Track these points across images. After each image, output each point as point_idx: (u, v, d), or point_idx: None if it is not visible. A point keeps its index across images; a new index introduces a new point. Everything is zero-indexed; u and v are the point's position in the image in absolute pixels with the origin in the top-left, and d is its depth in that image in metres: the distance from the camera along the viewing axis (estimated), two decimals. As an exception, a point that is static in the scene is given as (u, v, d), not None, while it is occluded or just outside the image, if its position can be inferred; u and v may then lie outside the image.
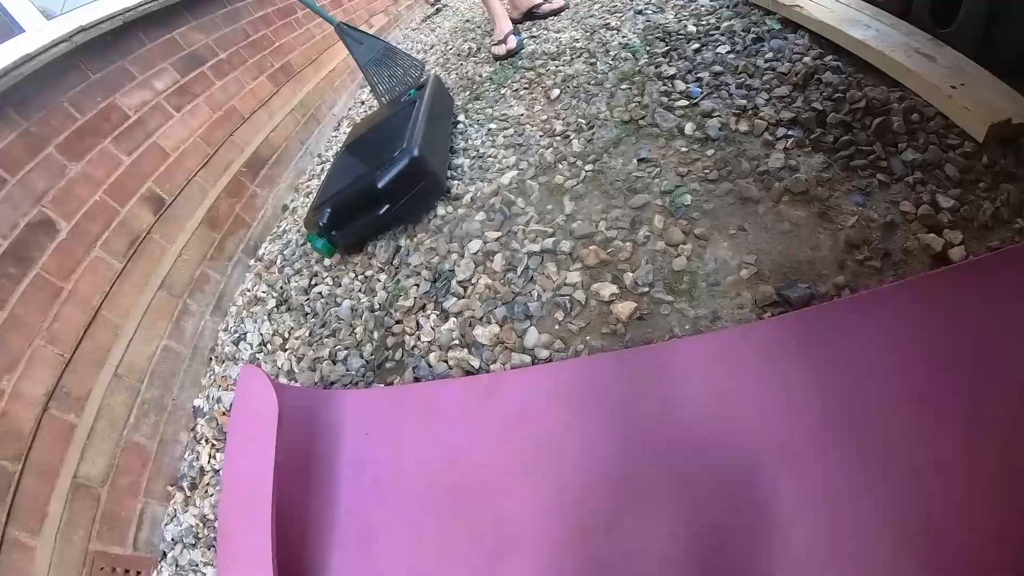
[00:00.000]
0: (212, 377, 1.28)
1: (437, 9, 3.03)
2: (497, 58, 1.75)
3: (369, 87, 1.63)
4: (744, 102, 1.02)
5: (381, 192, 1.06)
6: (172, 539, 0.98)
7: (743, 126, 0.97)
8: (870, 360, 0.60)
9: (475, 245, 0.99)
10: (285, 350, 1.17)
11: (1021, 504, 0.46)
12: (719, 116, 1.01)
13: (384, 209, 1.08)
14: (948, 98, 0.83)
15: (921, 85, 0.89)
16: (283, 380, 1.11)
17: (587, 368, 0.72)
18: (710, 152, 0.94)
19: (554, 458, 0.68)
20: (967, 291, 0.62)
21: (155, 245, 1.31)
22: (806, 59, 1.08)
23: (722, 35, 1.23)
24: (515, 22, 1.93)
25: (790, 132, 0.93)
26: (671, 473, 0.60)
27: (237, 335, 1.31)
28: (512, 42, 1.71)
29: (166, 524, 1.03)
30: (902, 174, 0.80)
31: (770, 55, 1.13)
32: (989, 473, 0.49)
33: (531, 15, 1.92)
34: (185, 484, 1.07)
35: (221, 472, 0.98)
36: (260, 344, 1.25)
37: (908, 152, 0.83)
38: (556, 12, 1.88)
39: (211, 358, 1.33)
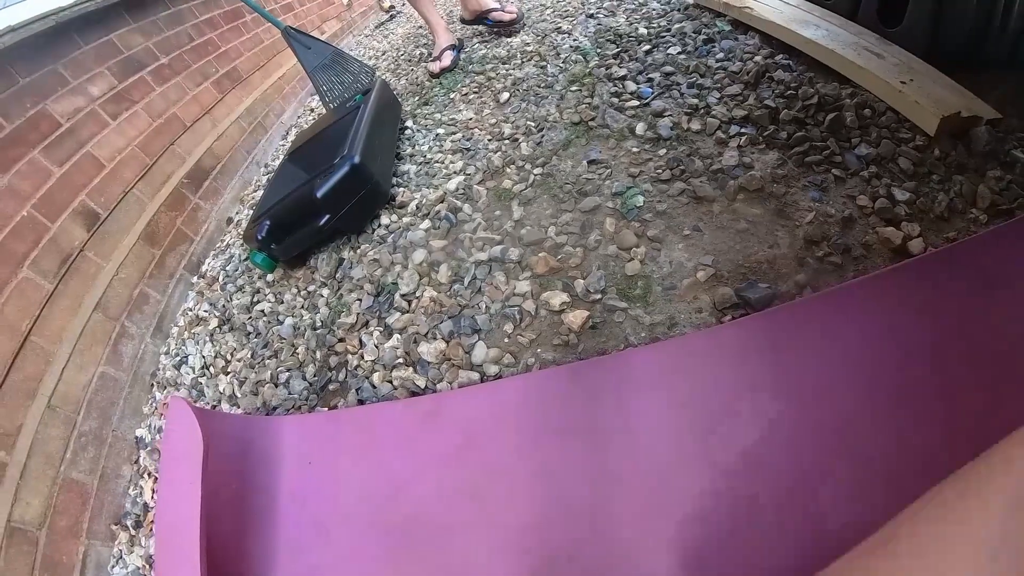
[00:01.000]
0: (154, 404, 1.20)
1: (391, 16, 2.99)
2: (432, 76, 1.65)
3: (317, 94, 1.56)
4: (696, 101, 0.99)
5: (320, 202, 1.00)
6: (119, 583, 0.89)
7: (695, 125, 0.94)
8: (843, 359, 0.58)
9: (419, 255, 0.93)
10: (227, 373, 1.10)
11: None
12: (670, 115, 0.98)
13: (324, 220, 1.02)
14: (899, 93, 0.84)
15: (872, 81, 0.90)
16: (225, 406, 1.04)
17: (537, 384, 0.67)
18: (662, 152, 0.91)
19: (507, 485, 0.62)
20: (931, 283, 0.61)
21: (89, 263, 1.22)
22: (757, 58, 1.06)
23: (673, 37, 1.21)
24: (464, 22, 1.87)
25: (743, 130, 0.92)
26: (637, 496, 0.55)
27: (178, 358, 1.23)
28: (447, 59, 1.63)
29: (112, 567, 0.95)
30: (857, 168, 0.79)
31: (721, 55, 1.11)
32: None
33: (481, 20, 1.80)
34: (129, 522, 0.99)
35: (154, 513, 0.90)
36: (203, 367, 1.17)
37: (862, 147, 0.82)
38: (507, 25, 1.72)
39: (152, 384, 1.24)
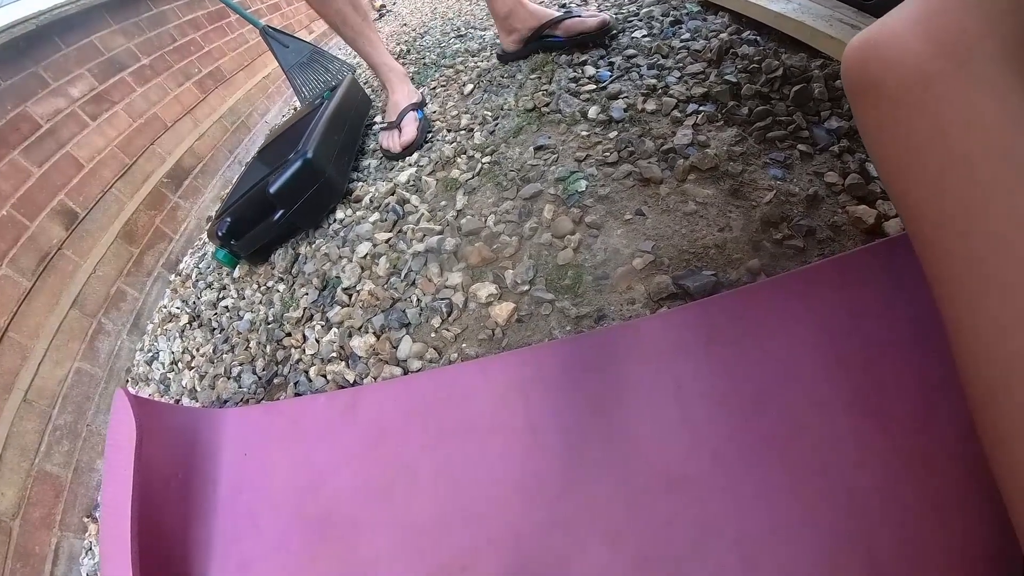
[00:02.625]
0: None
1: (381, 14, 2.98)
2: (388, 157, 1.15)
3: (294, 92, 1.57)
4: (654, 82, 0.94)
5: (274, 197, 0.99)
6: (89, 574, 0.92)
7: (650, 105, 0.89)
8: (795, 357, 0.49)
9: (364, 248, 0.92)
10: (191, 368, 1.10)
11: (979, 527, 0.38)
12: (625, 97, 0.94)
13: (279, 215, 1.01)
14: None
15: (844, 50, 0.83)
16: (186, 400, 1.04)
17: (447, 379, 0.65)
18: (612, 134, 0.87)
19: (412, 484, 0.60)
20: (909, 265, 0.50)
21: (67, 261, 1.24)
22: (723, 35, 1.01)
23: (640, 20, 1.16)
24: (507, 59, 1.26)
25: (701, 108, 0.85)
26: (538, 506, 0.51)
27: (150, 354, 1.25)
28: (410, 128, 1.11)
29: (83, 558, 0.97)
30: (826, 143, 0.72)
31: (687, 35, 1.05)
32: (942, 498, 0.39)
33: (543, 39, 1.19)
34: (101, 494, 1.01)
35: (99, 503, 0.91)
36: (171, 363, 1.18)
37: (832, 120, 0.75)
38: (593, 34, 1.13)
39: (127, 380, 1.26)
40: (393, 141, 1.13)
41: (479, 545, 0.52)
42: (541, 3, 1.45)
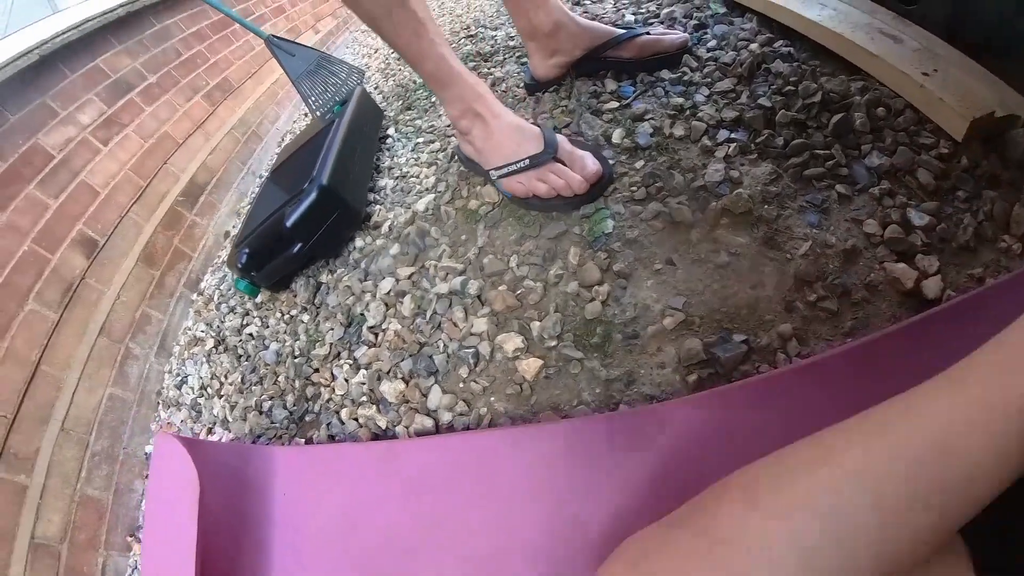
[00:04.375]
0: (160, 422, 1.25)
1: None
2: (564, 206, 0.82)
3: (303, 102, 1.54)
4: (681, 100, 0.90)
5: (291, 231, 0.99)
6: (135, 592, 0.95)
7: (679, 130, 0.85)
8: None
9: (387, 284, 0.91)
10: (220, 396, 1.13)
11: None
12: (652, 119, 0.90)
13: (298, 248, 1.01)
14: (920, 88, 0.69)
15: (887, 73, 0.75)
16: (219, 430, 1.07)
17: (478, 444, 0.66)
18: (639, 164, 0.83)
19: (437, 539, 0.63)
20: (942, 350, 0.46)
21: (91, 290, 1.26)
22: (753, 46, 0.96)
23: (661, 23, 1.11)
24: (537, 89, 1.07)
25: (733, 135, 0.80)
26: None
27: (179, 378, 1.27)
28: (586, 158, 0.80)
29: (129, 575, 1.01)
30: (866, 184, 0.67)
31: (713, 43, 1.00)
32: None
33: (602, 61, 1.00)
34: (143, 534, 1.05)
35: (140, 547, 0.94)
36: (201, 388, 1.20)
37: (873, 155, 0.69)
38: (673, 53, 0.96)
39: (159, 402, 1.30)
40: (567, 180, 0.78)
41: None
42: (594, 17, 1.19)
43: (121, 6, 1.43)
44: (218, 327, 1.27)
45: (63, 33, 1.29)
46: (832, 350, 0.53)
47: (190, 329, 1.36)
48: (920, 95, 0.69)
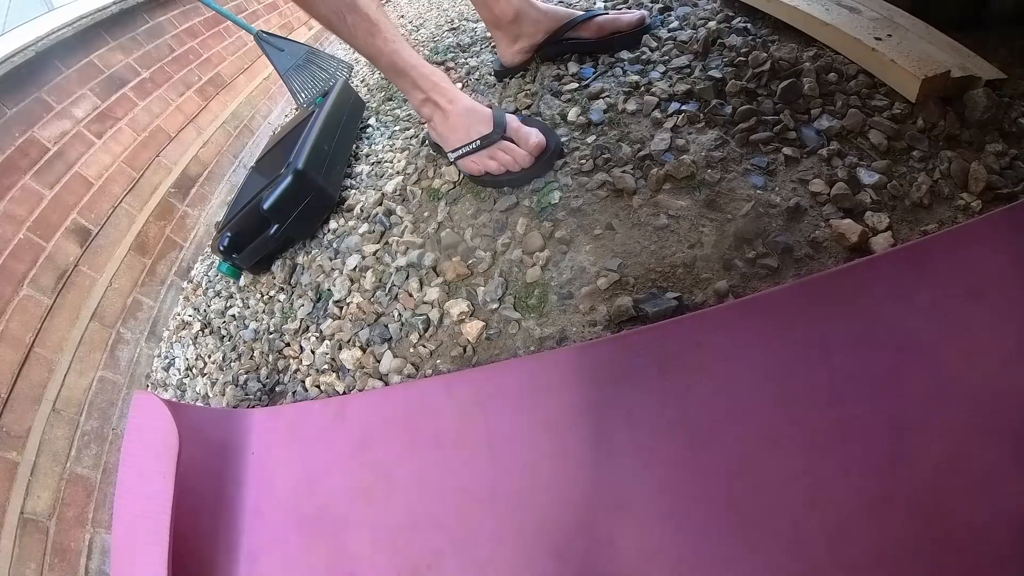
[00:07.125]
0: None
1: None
2: (511, 183, 0.86)
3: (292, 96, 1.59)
4: (637, 78, 0.92)
5: (268, 213, 1.03)
6: (120, 568, 1.00)
7: (631, 105, 0.87)
8: (752, 389, 0.47)
9: (353, 261, 0.95)
10: (204, 375, 1.17)
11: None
12: (607, 96, 0.93)
13: (275, 229, 1.05)
14: (872, 51, 0.69)
15: (840, 39, 0.76)
16: (199, 404, 1.11)
17: (416, 394, 0.68)
18: (590, 139, 0.86)
19: (388, 489, 0.65)
20: (888, 290, 0.46)
21: (84, 277, 1.31)
22: (711, 23, 0.98)
23: (629, 8, 1.14)
24: (505, 74, 1.11)
25: (683, 107, 0.82)
26: (496, 519, 0.55)
27: (167, 360, 1.32)
28: (531, 132, 0.84)
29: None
30: (815, 146, 0.67)
31: (675, 24, 1.03)
32: (897, 549, 0.37)
33: (560, 42, 1.03)
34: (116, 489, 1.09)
35: (113, 504, 0.98)
36: (186, 369, 1.25)
37: (823, 119, 0.70)
38: (629, 33, 0.99)
39: (148, 385, 1.34)
40: (513, 156, 0.82)
41: (442, 547, 0.56)
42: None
43: (114, 3, 1.49)
44: (204, 311, 1.31)
45: (58, 30, 1.35)
46: (775, 287, 0.54)
47: (179, 314, 1.41)
48: (872, 58, 0.70)
